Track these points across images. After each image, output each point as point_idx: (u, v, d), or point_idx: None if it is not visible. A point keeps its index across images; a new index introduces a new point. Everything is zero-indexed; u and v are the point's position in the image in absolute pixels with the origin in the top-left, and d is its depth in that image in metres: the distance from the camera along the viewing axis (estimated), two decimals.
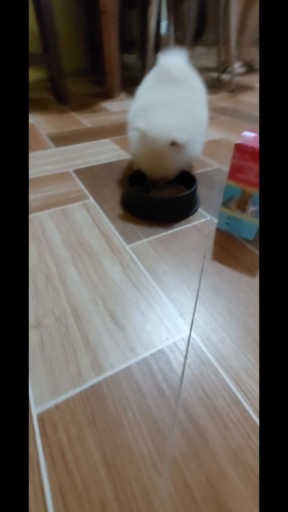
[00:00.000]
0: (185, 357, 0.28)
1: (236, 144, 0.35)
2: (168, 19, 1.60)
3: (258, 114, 1.05)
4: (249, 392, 0.25)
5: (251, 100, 1.25)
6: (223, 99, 1.26)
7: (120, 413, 0.24)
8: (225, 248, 0.41)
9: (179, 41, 2.51)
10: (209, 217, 0.48)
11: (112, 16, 1.05)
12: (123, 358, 0.28)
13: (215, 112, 1.07)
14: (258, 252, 0.40)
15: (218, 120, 0.98)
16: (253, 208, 0.39)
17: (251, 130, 0.37)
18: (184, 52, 0.55)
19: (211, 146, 0.76)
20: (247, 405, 0.24)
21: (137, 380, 0.26)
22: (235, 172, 0.37)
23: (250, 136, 0.36)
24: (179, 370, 0.27)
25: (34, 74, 1.74)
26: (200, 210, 0.50)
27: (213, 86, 1.54)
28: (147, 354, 0.28)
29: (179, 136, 0.40)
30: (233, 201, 0.40)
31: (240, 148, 0.35)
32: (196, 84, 0.53)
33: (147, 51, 1.22)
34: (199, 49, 3.19)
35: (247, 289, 0.35)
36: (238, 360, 0.27)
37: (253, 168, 0.35)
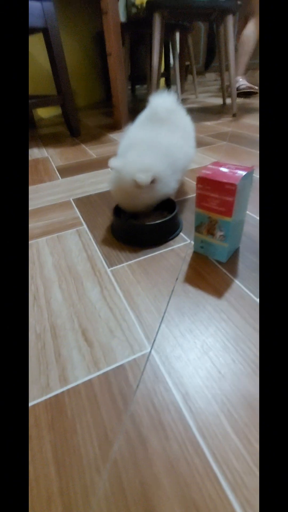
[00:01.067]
0: (142, 373, 0.31)
1: (197, 177, 0.39)
2: (173, 51, 1.72)
3: (255, 136, 1.09)
4: (194, 407, 0.27)
5: (252, 123, 1.29)
6: (224, 124, 1.31)
7: (76, 420, 0.27)
8: (198, 270, 0.44)
9: (188, 70, 2.65)
10: (188, 241, 0.51)
11: (116, 58, 1.16)
12: (86, 371, 0.31)
13: (215, 137, 1.12)
14: (228, 274, 0.43)
15: (216, 145, 1.03)
16: (220, 233, 0.42)
17: (217, 164, 0.41)
18: (173, 94, 0.61)
19: None
20: (189, 419, 0.26)
21: (95, 392, 0.29)
22: (200, 201, 0.41)
23: (213, 168, 0.40)
24: (134, 384, 0.30)
25: (51, 111, 1.93)
26: (181, 234, 0.53)
27: (218, 111, 1.60)
28: (108, 368, 0.31)
29: (141, 178, 0.44)
30: (203, 226, 0.43)
31: (201, 180, 0.39)
32: (181, 124, 0.58)
33: (151, 85, 1.33)
34: (209, 76, 3.35)
35: (210, 309, 0.37)
36: (189, 377, 0.30)
37: (216, 198, 0.39)
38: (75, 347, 0.34)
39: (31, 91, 1.73)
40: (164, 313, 0.37)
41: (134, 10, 2.53)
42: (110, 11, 1.07)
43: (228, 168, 0.39)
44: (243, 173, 0.37)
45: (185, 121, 0.60)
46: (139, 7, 2.53)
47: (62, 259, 0.49)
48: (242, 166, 0.39)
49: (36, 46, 1.67)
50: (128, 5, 2.52)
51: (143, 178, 0.44)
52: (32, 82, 1.72)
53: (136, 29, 1.71)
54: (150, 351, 0.33)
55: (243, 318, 0.36)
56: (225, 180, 0.36)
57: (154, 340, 0.34)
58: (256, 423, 0.26)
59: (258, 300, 0.38)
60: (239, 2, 1.44)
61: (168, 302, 0.39)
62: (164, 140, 0.51)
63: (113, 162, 0.47)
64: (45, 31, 1.04)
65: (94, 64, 2.21)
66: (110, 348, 0.33)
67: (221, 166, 0.40)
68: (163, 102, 0.58)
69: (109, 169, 0.88)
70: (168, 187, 0.50)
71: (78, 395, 0.29)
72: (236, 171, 0.38)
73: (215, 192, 0.38)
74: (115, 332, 0.35)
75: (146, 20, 1.65)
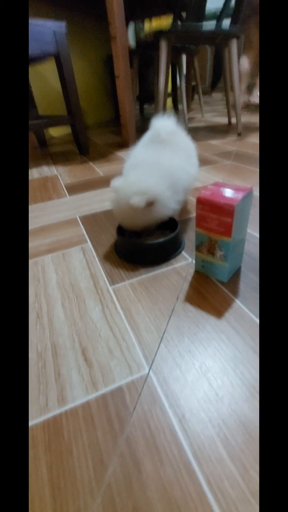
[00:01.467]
0: (139, 395, 0.31)
1: (197, 197, 0.40)
2: (179, 73, 1.78)
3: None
4: (190, 429, 0.27)
5: (257, 142, 1.32)
6: (229, 143, 1.34)
7: (72, 442, 0.27)
8: (199, 289, 0.44)
9: (195, 90, 2.74)
10: (190, 260, 0.52)
11: (124, 80, 1.22)
12: (84, 392, 0.31)
13: (219, 156, 1.14)
14: (229, 293, 0.43)
15: (221, 164, 1.05)
16: (221, 253, 0.42)
17: (217, 184, 0.42)
18: (174, 117, 0.64)
19: None
20: (185, 443, 0.26)
21: (93, 414, 0.29)
22: (200, 221, 0.41)
23: (213, 189, 0.41)
24: (131, 406, 0.30)
25: (62, 130, 2.01)
26: (183, 252, 0.54)
27: (223, 130, 1.64)
28: (106, 390, 0.32)
29: (136, 201, 0.45)
30: (203, 246, 0.44)
31: (201, 201, 0.40)
32: (183, 145, 0.60)
33: (157, 106, 1.38)
34: (215, 95, 3.44)
35: (210, 329, 0.37)
36: (186, 399, 0.30)
37: (214, 218, 0.39)
38: (74, 367, 0.34)
39: (44, 111, 1.82)
40: (164, 333, 0.38)
41: (143, 34, 2.67)
42: (118, 36, 1.13)
43: (227, 189, 0.40)
44: (242, 194, 0.38)
45: (186, 142, 0.63)
46: (148, 31, 2.66)
47: (66, 276, 0.51)
48: (241, 187, 0.40)
49: (49, 69, 1.77)
50: (137, 31, 2.66)
51: (138, 201, 0.45)
52: (44, 102, 1.81)
53: (144, 52, 1.79)
54: (148, 373, 0.33)
55: (242, 339, 0.36)
56: (223, 201, 0.37)
57: (153, 361, 0.34)
58: (253, 450, 0.25)
59: (258, 321, 0.38)
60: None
61: (168, 321, 0.39)
62: (165, 160, 0.53)
63: (114, 182, 0.49)
64: (56, 56, 1.11)
65: (104, 84, 2.31)
66: (109, 369, 0.34)
67: (220, 187, 0.41)
68: (164, 125, 0.61)
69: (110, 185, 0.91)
70: (167, 209, 0.51)
71: (75, 417, 0.29)
72: (235, 192, 0.39)
73: (214, 212, 0.39)
74: (114, 352, 0.36)
75: (153, 44, 1.73)
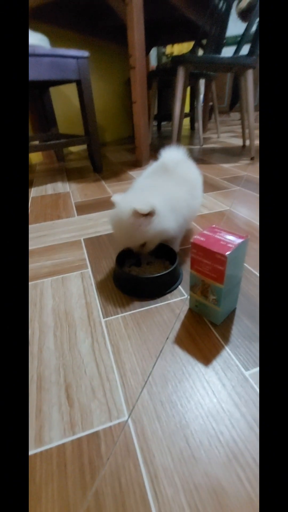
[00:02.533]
0: (115, 445, 0.30)
1: (192, 242, 0.40)
2: (196, 97, 1.82)
3: None
4: (160, 493, 0.26)
5: None
6: (241, 167, 1.34)
7: (42, 488, 0.27)
8: (190, 331, 0.44)
9: (211, 111, 2.78)
10: (185, 296, 0.51)
11: (140, 105, 1.26)
12: (61, 434, 0.31)
13: (229, 181, 1.15)
14: (219, 339, 0.42)
15: (230, 190, 1.05)
16: (213, 297, 0.42)
17: (213, 230, 0.42)
18: (182, 148, 0.65)
19: (213, 218, 0.82)
20: (153, 508, 0.25)
21: (66, 459, 0.29)
22: (194, 264, 0.42)
23: (208, 235, 0.41)
24: (105, 456, 0.29)
25: (79, 146, 2.08)
26: (180, 287, 0.54)
27: (237, 153, 1.65)
28: (83, 434, 0.31)
29: (141, 206, 0.46)
30: (197, 287, 0.44)
31: (195, 246, 0.40)
32: (189, 177, 0.61)
33: (173, 129, 1.41)
34: (233, 115, 3.48)
35: (195, 378, 0.37)
36: (161, 457, 0.29)
37: (208, 264, 0.39)
38: (56, 404, 0.34)
39: (64, 128, 1.90)
40: (148, 376, 0.37)
41: (164, 58, 2.77)
42: (137, 67, 1.18)
43: (222, 236, 0.40)
44: (236, 243, 0.38)
45: (193, 173, 0.63)
46: (169, 55, 2.76)
47: (62, 303, 0.51)
48: (238, 234, 0.40)
49: (71, 89, 1.86)
50: (159, 54, 2.76)
51: (142, 206, 0.46)
52: (65, 120, 1.89)
53: (163, 76, 1.85)
54: (127, 421, 0.32)
55: (227, 393, 0.35)
56: (216, 250, 0.37)
57: (133, 408, 0.34)
58: None
59: (246, 372, 0.37)
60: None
61: (154, 364, 0.39)
62: (169, 190, 0.54)
63: (115, 197, 0.50)
64: (78, 82, 1.17)
65: (123, 104, 2.40)
66: (89, 411, 0.34)
67: (216, 233, 0.41)
68: (172, 156, 0.62)
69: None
70: (169, 224, 0.51)
71: (49, 460, 0.29)
72: (230, 240, 0.39)
73: (207, 259, 0.39)
74: (97, 392, 0.36)
75: (172, 69, 1.79)
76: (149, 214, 0.48)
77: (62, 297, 0.53)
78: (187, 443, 0.30)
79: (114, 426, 0.32)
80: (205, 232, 0.42)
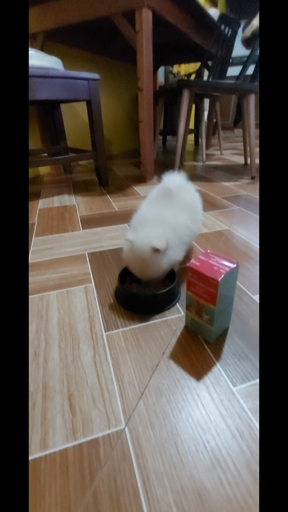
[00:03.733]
0: (112, 450, 0.34)
1: (188, 266, 0.44)
2: (200, 116, 1.89)
3: None
4: (151, 493, 0.30)
5: None
6: (242, 186, 1.39)
7: (46, 488, 0.31)
8: (185, 347, 0.48)
9: (215, 127, 2.87)
10: (182, 314, 0.55)
11: (146, 124, 1.33)
12: (64, 439, 0.35)
13: (230, 200, 1.20)
14: (212, 356, 0.46)
15: (230, 210, 1.10)
16: (207, 317, 0.46)
17: (207, 255, 0.47)
18: (183, 174, 0.70)
19: (212, 238, 0.86)
20: (144, 506, 0.29)
21: (68, 463, 0.33)
22: (189, 285, 0.46)
23: (203, 260, 0.45)
24: (103, 460, 0.33)
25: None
26: (177, 305, 0.58)
27: (238, 171, 1.71)
28: (83, 440, 0.35)
29: (159, 243, 0.51)
30: (192, 306, 0.48)
31: (190, 270, 0.44)
32: (190, 201, 0.66)
33: (177, 147, 1.47)
34: (237, 131, 3.57)
35: (187, 392, 0.40)
36: (153, 461, 0.32)
37: (201, 286, 0.44)
38: (59, 412, 0.38)
39: (73, 143, 1.97)
40: (145, 389, 0.41)
41: (171, 77, 2.87)
42: (145, 89, 1.25)
43: (216, 261, 0.44)
44: (228, 269, 0.42)
45: (193, 198, 0.68)
46: (176, 74, 2.86)
47: (67, 316, 0.55)
48: (229, 260, 0.44)
49: (82, 107, 1.94)
50: (167, 72, 2.87)
51: (161, 243, 0.51)
52: (75, 135, 1.97)
53: (169, 95, 1.93)
54: (124, 429, 0.36)
55: (215, 406, 0.38)
56: (209, 275, 0.41)
57: (130, 418, 0.37)
58: None
59: (233, 388, 0.40)
60: None
61: (150, 378, 0.43)
62: (171, 217, 0.59)
63: (128, 235, 0.55)
64: (88, 102, 1.24)
65: (130, 119, 2.48)
66: (90, 419, 0.37)
67: (210, 258, 0.45)
68: (174, 181, 0.67)
69: (126, 224, 0.97)
70: (177, 254, 0.57)
71: (53, 463, 0.33)
72: (223, 265, 0.43)
73: (201, 282, 0.43)
74: (97, 402, 0.39)
75: (177, 90, 1.87)
76: (164, 250, 0.52)
77: (67, 310, 0.57)
78: (176, 449, 0.33)
79: (112, 434, 0.36)
80: (200, 257, 0.46)
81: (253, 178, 1.51)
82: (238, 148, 2.58)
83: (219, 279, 0.40)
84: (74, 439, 0.35)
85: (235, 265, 0.43)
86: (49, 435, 0.36)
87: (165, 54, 2.22)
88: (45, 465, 0.33)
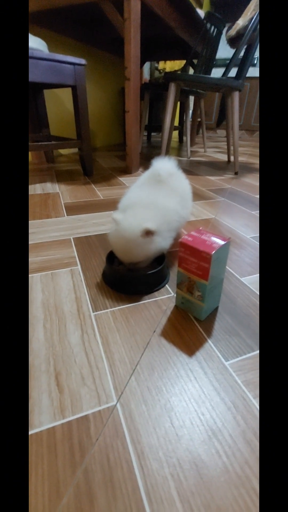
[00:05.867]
0: (104, 426, 0.32)
1: (180, 241, 0.43)
2: (186, 111, 1.91)
3: (253, 196, 1.18)
4: (146, 467, 0.28)
5: (252, 182, 1.40)
6: (226, 181, 1.42)
7: (32, 468, 0.28)
8: (175, 325, 0.47)
9: (199, 126, 2.91)
10: (172, 294, 0.54)
11: (133, 115, 1.31)
12: (51, 418, 0.33)
13: (215, 192, 1.21)
14: (203, 332, 0.45)
15: (215, 201, 1.11)
16: (198, 293, 0.45)
17: (199, 232, 0.46)
18: (173, 159, 0.69)
19: (199, 226, 0.87)
20: (140, 480, 0.27)
21: (56, 441, 0.30)
22: (181, 262, 0.45)
23: (195, 235, 0.44)
24: (94, 437, 0.31)
25: (69, 150, 2.10)
26: (167, 286, 0.57)
27: (222, 167, 1.74)
28: (72, 417, 0.33)
29: (150, 224, 0.49)
30: (183, 284, 0.47)
31: (183, 245, 0.43)
32: (180, 188, 0.65)
33: (162, 140, 1.47)
34: (220, 132, 3.65)
35: (180, 367, 0.39)
36: (147, 436, 0.31)
37: (194, 262, 0.43)
38: (45, 391, 0.36)
39: (55, 131, 1.91)
40: (136, 365, 0.39)
41: (157, 73, 2.88)
42: (132, 79, 1.24)
43: (208, 237, 0.44)
44: (220, 244, 0.42)
45: (183, 185, 0.67)
46: (161, 70, 2.87)
47: (52, 297, 0.53)
48: (221, 237, 0.44)
49: (65, 93, 1.89)
50: (152, 68, 2.87)
51: (152, 225, 0.49)
52: (57, 123, 1.91)
53: (155, 90, 1.93)
54: (116, 405, 0.34)
55: (209, 380, 0.37)
56: (202, 249, 0.41)
57: (121, 394, 0.36)
58: (202, 493, 0.27)
59: (226, 362, 0.40)
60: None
61: (142, 354, 0.41)
62: (160, 202, 0.57)
63: (116, 215, 0.52)
64: (73, 87, 1.20)
65: (115, 112, 2.45)
66: (79, 396, 0.35)
67: (202, 234, 0.45)
68: (164, 166, 0.66)
69: (113, 212, 0.95)
70: (165, 242, 0.55)
71: (39, 442, 0.30)
72: (215, 241, 0.43)
73: (194, 257, 0.42)
74: (87, 380, 0.37)
75: (164, 84, 1.87)
76: (153, 234, 0.50)
77: (52, 292, 0.54)
78: (171, 423, 0.32)
79: (103, 410, 0.34)
80: (192, 233, 0.45)
81: (236, 173, 1.54)
82: (221, 147, 2.64)
83: (212, 253, 0.40)
84: (62, 417, 0.33)
85: (227, 241, 0.43)
86: (34, 414, 0.33)
87: (151, 49, 2.22)
88: (31, 445, 0.30)
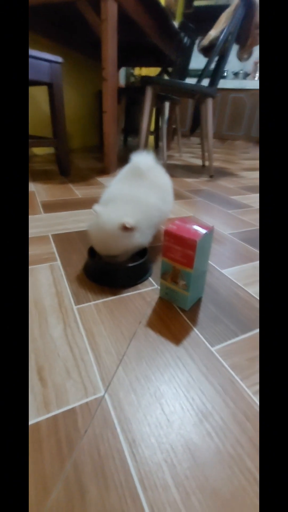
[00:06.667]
0: (92, 418, 0.30)
1: (164, 230, 0.43)
2: (162, 117, 1.96)
3: (228, 196, 1.22)
4: (139, 455, 0.27)
5: (226, 185, 1.46)
6: (202, 183, 1.46)
7: None
8: (161, 316, 0.46)
9: (175, 132, 2.99)
10: (155, 286, 0.54)
11: (111, 115, 1.31)
12: (35, 413, 0.30)
13: (192, 193, 1.24)
14: (188, 322, 0.45)
15: (193, 200, 1.14)
16: (183, 282, 0.45)
17: (183, 220, 0.46)
18: (152, 153, 0.70)
19: None
20: (132, 468, 0.26)
21: (41, 436, 0.28)
22: (165, 251, 0.45)
23: (179, 224, 0.45)
24: (83, 429, 0.29)
25: (46, 149, 2.05)
26: (150, 278, 0.56)
27: (197, 171, 1.79)
28: (58, 411, 0.31)
29: (130, 220, 0.49)
30: (167, 274, 0.47)
31: (167, 233, 0.43)
32: (160, 182, 0.65)
33: (140, 141, 1.48)
34: (193, 139, 3.78)
35: (168, 356, 0.39)
36: (138, 424, 0.30)
37: (179, 250, 0.43)
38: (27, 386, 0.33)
39: (31, 131, 1.86)
40: (123, 356, 0.38)
41: (132, 78, 2.92)
42: (109, 79, 1.24)
43: (191, 225, 0.44)
44: (204, 231, 0.43)
45: (164, 179, 0.68)
46: (137, 76, 2.92)
47: (31, 292, 0.50)
48: (204, 225, 0.45)
49: (41, 94, 1.85)
50: (128, 74, 2.91)
51: (131, 220, 0.48)
52: (33, 123, 1.85)
53: (132, 94, 1.96)
54: (104, 395, 0.33)
55: (196, 366, 0.37)
56: (187, 236, 0.41)
57: (109, 384, 0.34)
58: (196, 476, 0.26)
59: (212, 348, 0.40)
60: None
61: (128, 345, 0.40)
62: (142, 197, 0.57)
63: (96, 207, 0.51)
64: (49, 85, 1.17)
65: (92, 115, 2.44)
66: (64, 390, 0.33)
67: (186, 223, 0.45)
68: (144, 160, 0.66)
69: (91, 209, 0.93)
70: (144, 238, 0.54)
71: None
72: (199, 229, 0.43)
73: (179, 245, 0.42)
74: (72, 373, 0.35)
75: (140, 88, 1.90)
76: (132, 229, 0.50)
77: (31, 287, 0.51)
78: (162, 410, 0.32)
79: (90, 402, 0.32)
80: (176, 222, 0.46)
81: (211, 176, 1.60)
82: (195, 153, 2.72)
83: (198, 240, 0.40)
84: (46, 411, 0.31)
85: (210, 229, 0.44)
86: None
87: (127, 55, 2.25)
88: None
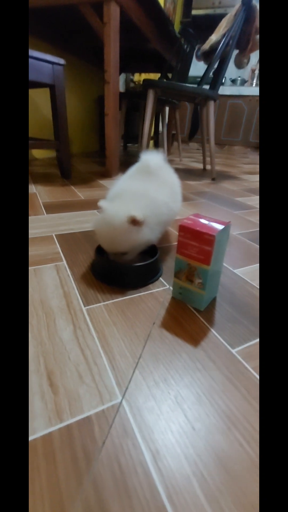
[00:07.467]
0: (110, 427, 0.28)
1: (179, 225, 0.41)
2: (162, 121, 1.96)
3: (233, 198, 1.21)
4: (164, 467, 0.24)
5: (229, 187, 1.45)
6: (204, 185, 1.45)
7: (28, 485, 0.23)
8: (175, 316, 0.44)
9: (174, 137, 3.01)
10: (167, 286, 0.52)
11: (112, 118, 1.31)
12: (47, 423, 0.28)
13: (196, 195, 1.23)
14: (205, 322, 0.43)
15: (197, 202, 1.12)
16: (199, 280, 0.43)
17: (197, 215, 0.44)
18: (162, 152, 0.68)
19: None
20: (158, 483, 0.23)
21: (54, 449, 0.26)
22: (180, 248, 0.43)
23: (194, 219, 0.43)
24: (100, 440, 0.27)
25: (46, 153, 2.04)
26: (161, 279, 0.54)
27: (199, 174, 1.79)
28: (72, 420, 0.28)
29: (137, 213, 0.47)
30: (182, 272, 0.44)
31: (183, 228, 0.41)
32: (169, 181, 0.63)
33: (141, 145, 1.47)
34: (192, 145, 3.81)
35: (186, 357, 0.36)
36: (161, 433, 0.27)
37: (195, 246, 0.41)
38: (37, 393, 0.30)
39: (31, 134, 1.85)
40: (139, 358, 0.36)
41: (132, 84, 2.95)
42: (111, 82, 1.24)
43: (207, 220, 0.42)
44: (221, 226, 0.40)
45: (173, 178, 0.66)
46: (136, 82, 2.95)
47: (36, 293, 0.47)
48: (220, 220, 0.43)
49: (42, 98, 1.84)
50: (127, 80, 2.94)
51: (139, 214, 0.46)
52: (34, 126, 1.85)
53: (132, 99, 1.96)
54: (121, 401, 0.30)
55: (218, 368, 0.35)
56: (204, 231, 0.39)
57: (126, 389, 0.32)
58: (231, 490, 0.23)
59: (233, 350, 0.38)
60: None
61: (144, 346, 0.37)
62: (151, 193, 0.55)
63: (101, 202, 0.49)
64: (51, 87, 1.17)
65: (92, 120, 2.45)
66: (77, 396, 0.30)
67: (201, 218, 0.43)
68: (154, 158, 0.64)
69: (96, 210, 0.91)
70: (152, 235, 0.52)
71: (33, 452, 0.25)
72: (215, 224, 0.41)
73: (195, 240, 0.40)
74: (85, 377, 0.33)
75: (141, 93, 1.91)
76: (140, 224, 0.48)
77: (36, 287, 0.49)
78: (185, 416, 0.29)
79: (107, 409, 0.29)
80: (191, 217, 0.44)
81: (213, 179, 1.59)
82: (195, 157, 2.73)
83: (216, 234, 0.38)
84: (59, 421, 0.28)
85: (228, 224, 0.42)
86: None
87: (127, 61, 2.27)
88: None
